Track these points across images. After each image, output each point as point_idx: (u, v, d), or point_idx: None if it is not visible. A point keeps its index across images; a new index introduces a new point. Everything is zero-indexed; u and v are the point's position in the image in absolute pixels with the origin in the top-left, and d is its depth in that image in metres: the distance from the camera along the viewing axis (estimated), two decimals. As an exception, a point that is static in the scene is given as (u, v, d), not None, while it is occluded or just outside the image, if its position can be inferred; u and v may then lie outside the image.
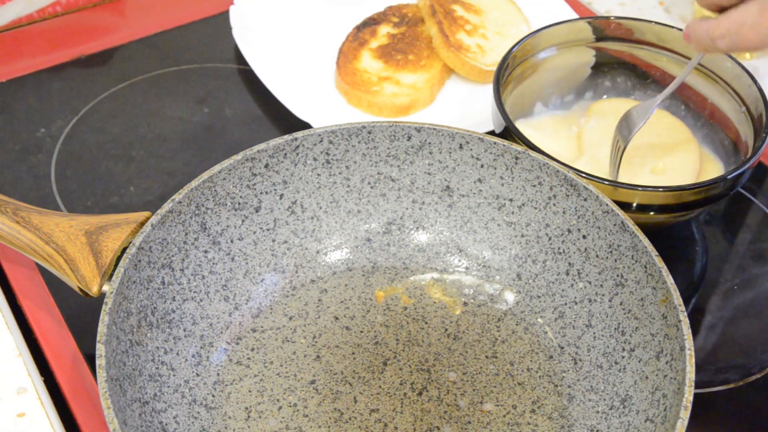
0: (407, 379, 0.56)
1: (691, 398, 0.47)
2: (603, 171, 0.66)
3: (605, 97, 0.74)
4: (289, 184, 0.61)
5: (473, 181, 0.62)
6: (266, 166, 0.59)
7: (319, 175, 0.61)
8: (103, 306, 0.50)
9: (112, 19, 0.87)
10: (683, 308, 0.51)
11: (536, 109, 0.72)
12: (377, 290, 0.61)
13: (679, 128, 0.70)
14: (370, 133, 0.61)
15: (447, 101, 0.79)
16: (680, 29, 0.70)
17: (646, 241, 0.54)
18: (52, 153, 0.73)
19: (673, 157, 0.68)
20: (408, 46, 0.80)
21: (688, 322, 0.50)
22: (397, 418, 0.54)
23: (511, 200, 0.61)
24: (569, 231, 0.59)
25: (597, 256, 0.57)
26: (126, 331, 0.51)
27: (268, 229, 0.60)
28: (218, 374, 0.56)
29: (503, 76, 0.66)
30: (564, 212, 0.59)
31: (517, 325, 0.59)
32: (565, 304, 0.59)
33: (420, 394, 0.56)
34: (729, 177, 0.60)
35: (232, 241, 0.59)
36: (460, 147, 0.61)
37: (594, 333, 0.57)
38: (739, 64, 0.67)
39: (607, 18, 0.72)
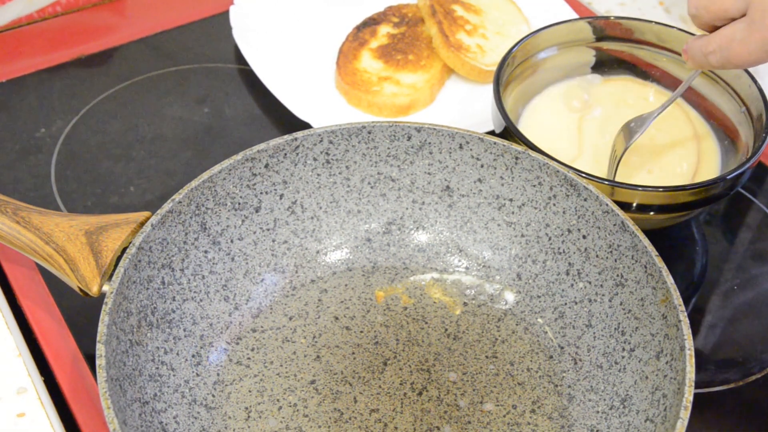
0: (407, 379, 0.56)
1: (691, 398, 0.47)
2: (604, 168, 0.66)
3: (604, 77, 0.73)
4: (289, 184, 0.61)
5: (473, 181, 0.62)
6: (266, 166, 0.59)
7: (319, 175, 0.61)
8: (103, 306, 0.50)
9: (112, 19, 0.87)
10: (683, 308, 0.51)
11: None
12: (377, 290, 0.61)
13: (683, 122, 0.70)
14: (370, 133, 0.61)
15: (447, 101, 0.79)
16: (680, 29, 0.70)
17: (646, 241, 0.54)
18: (52, 153, 0.73)
19: (675, 161, 0.67)
20: (408, 46, 0.80)
21: (688, 322, 0.50)
22: (397, 418, 0.54)
23: (511, 200, 0.61)
24: (569, 231, 0.59)
25: (597, 256, 0.57)
26: (126, 331, 0.51)
27: (268, 229, 0.60)
28: (218, 374, 0.56)
29: (503, 76, 0.66)
30: (564, 212, 0.59)
31: (517, 325, 0.59)
32: (565, 304, 0.59)
33: (420, 394, 0.56)
34: (729, 177, 0.60)
35: (232, 241, 0.59)
36: (460, 147, 0.61)
37: (594, 333, 0.57)
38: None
39: (607, 18, 0.72)
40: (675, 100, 0.64)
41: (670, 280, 0.52)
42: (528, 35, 0.70)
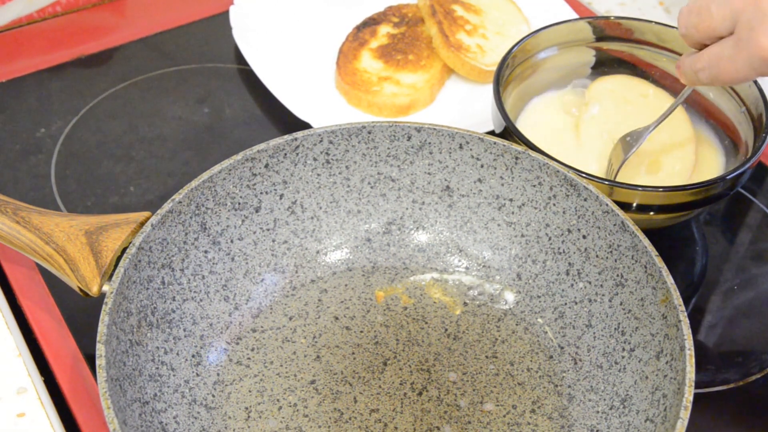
0: (407, 379, 0.56)
1: (691, 398, 0.47)
2: (603, 168, 0.66)
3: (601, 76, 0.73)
4: (289, 184, 0.61)
5: (473, 181, 0.62)
6: (266, 166, 0.59)
7: (319, 175, 0.61)
8: (103, 306, 0.50)
9: (112, 19, 0.87)
10: (683, 308, 0.51)
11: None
12: (377, 290, 0.61)
13: (681, 124, 0.70)
14: (370, 133, 0.61)
15: (447, 101, 0.79)
16: (680, 29, 0.70)
17: (646, 241, 0.54)
18: (52, 153, 0.73)
19: (675, 161, 0.67)
20: (408, 46, 0.80)
21: (688, 322, 0.50)
22: (397, 418, 0.54)
23: (511, 200, 0.61)
24: (569, 231, 0.59)
25: (597, 256, 0.57)
26: (126, 331, 0.51)
27: (268, 229, 0.60)
28: (218, 374, 0.56)
29: (503, 76, 0.66)
30: (564, 212, 0.59)
31: (517, 325, 0.59)
32: (565, 304, 0.59)
33: (420, 394, 0.56)
34: (729, 177, 0.60)
35: (232, 241, 0.59)
36: (460, 147, 0.61)
37: (594, 333, 0.57)
38: None
39: (607, 18, 0.72)
40: (670, 113, 0.64)
41: (670, 280, 0.52)
42: (528, 35, 0.70)
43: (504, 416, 0.55)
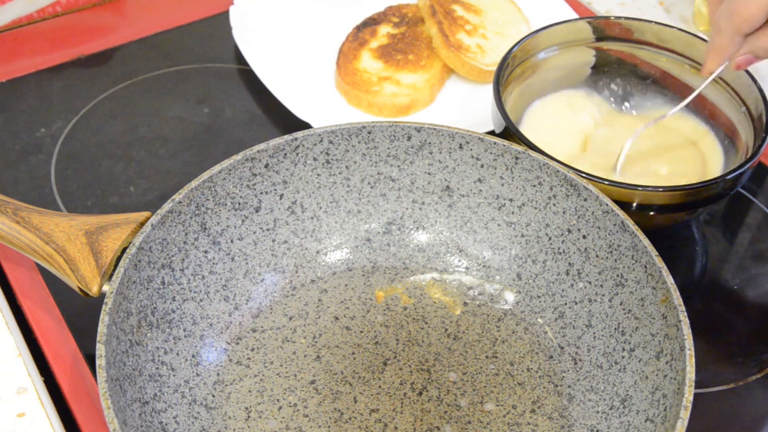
0: (407, 379, 0.56)
1: (691, 398, 0.47)
2: (604, 168, 0.66)
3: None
4: (289, 184, 0.61)
5: (473, 181, 0.62)
6: (266, 166, 0.59)
7: (319, 175, 0.61)
8: (103, 306, 0.50)
9: (112, 19, 0.87)
10: (683, 308, 0.51)
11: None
12: (377, 290, 0.61)
13: (684, 123, 0.70)
14: (370, 133, 0.61)
15: (447, 101, 0.79)
16: (680, 29, 0.70)
17: (646, 241, 0.54)
18: (52, 153, 0.73)
19: (675, 161, 0.67)
20: (408, 46, 0.80)
21: (688, 322, 0.50)
22: (397, 418, 0.54)
23: (511, 200, 0.61)
24: (569, 231, 0.59)
25: (597, 256, 0.57)
26: (126, 331, 0.51)
27: (268, 229, 0.60)
28: (218, 374, 0.56)
29: (503, 76, 0.66)
30: (564, 212, 0.59)
31: (517, 325, 0.59)
32: (565, 304, 0.59)
33: (420, 394, 0.56)
34: (729, 177, 0.60)
35: (232, 241, 0.59)
36: (460, 147, 0.61)
37: (594, 333, 0.57)
38: None
39: (607, 18, 0.72)
40: (691, 99, 0.63)
41: (670, 280, 0.52)
42: (528, 35, 0.70)
43: (504, 416, 0.55)
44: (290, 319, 0.59)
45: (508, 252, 0.62)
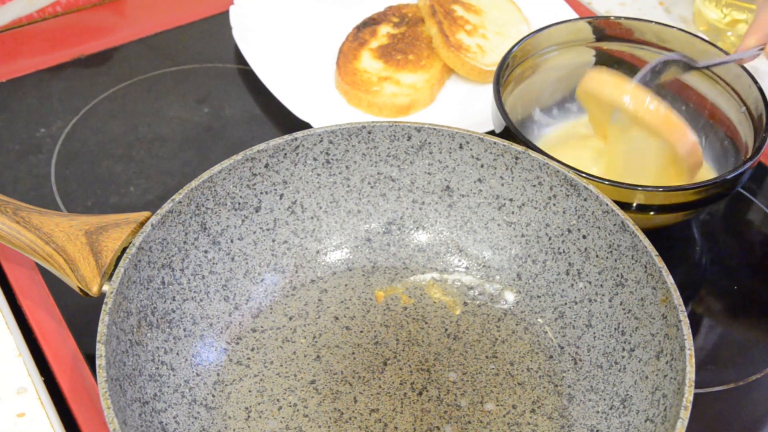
0: (407, 379, 0.56)
1: (691, 398, 0.47)
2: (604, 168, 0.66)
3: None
4: (289, 184, 0.61)
5: (473, 181, 0.62)
6: (266, 166, 0.59)
7: (319, 175, 0.61)
8: (103, 306, 0.50)
9: (112, 19, 0.87)
10: (683, 308, 0.51)
11: (535, 116, 0.72)
12: (377, 290, 0.61)
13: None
14: (370, 133, 0.61)
15: (447, 101, 0.79)
16: (680, 29, 0.70)
17: (646, 241, 0.54)
18: (52, 153, 0.73)
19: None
20: (408, 46, 0.80)
21: (688, 322, 0.50)
22: (397, 418, 0.54)
23: (511, 200, 0.61)
24: (569, 231, 0.59)
25: (597, 256, 0.57)
26: (126, 331, 0.51)
27: (268, 229, 0.60)
28: (218, 374, 0.56)
29: (503, 76, 0.66)
30: (564, 212, 0.59)
31: (517, 325, 0.59)
32: (565, 304, 0.59)
33: (420, 394, 0.56)
34: (729, 177, 0.60)
35: (232, 241, 0.59)
36: (460, 147, 0.61)
37: (594, 333, 0.57)
38: (740, 64, 0.67)
39: (607, 18, 0.72)
40: (728, 62, 0.64)
41: (670, 280, 0.52)
42: (528, 35, 0.70)
43: (504, 416, 0.55)
44: (290, 319, 0.59)
45: (508, 252, 0.62)
